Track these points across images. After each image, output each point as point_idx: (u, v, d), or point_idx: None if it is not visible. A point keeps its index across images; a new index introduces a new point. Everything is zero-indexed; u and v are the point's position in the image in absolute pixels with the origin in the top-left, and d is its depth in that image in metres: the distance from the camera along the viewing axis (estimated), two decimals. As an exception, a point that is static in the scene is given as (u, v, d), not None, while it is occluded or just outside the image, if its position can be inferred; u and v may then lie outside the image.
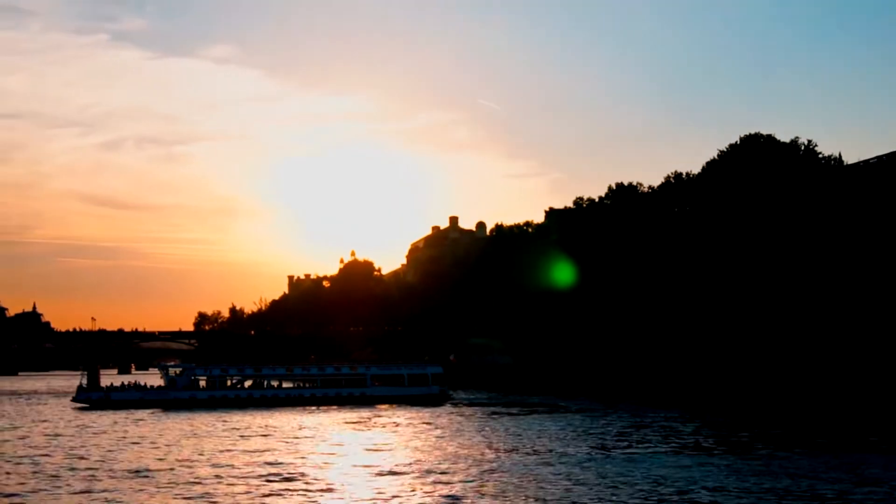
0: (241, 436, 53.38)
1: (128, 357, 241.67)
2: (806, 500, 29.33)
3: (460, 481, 33.81)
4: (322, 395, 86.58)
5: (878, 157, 75.78)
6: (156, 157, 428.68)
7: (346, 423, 63.19)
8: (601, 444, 45.95)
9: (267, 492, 32.21)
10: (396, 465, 38.72)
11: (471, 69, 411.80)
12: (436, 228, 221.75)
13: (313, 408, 79.46)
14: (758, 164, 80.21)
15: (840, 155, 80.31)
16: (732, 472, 34.81)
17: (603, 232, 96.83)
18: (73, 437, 54.14)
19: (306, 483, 34.26)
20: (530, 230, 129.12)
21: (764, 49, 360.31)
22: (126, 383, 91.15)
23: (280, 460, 40.93)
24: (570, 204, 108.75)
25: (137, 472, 37.62)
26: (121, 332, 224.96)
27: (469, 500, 30.05)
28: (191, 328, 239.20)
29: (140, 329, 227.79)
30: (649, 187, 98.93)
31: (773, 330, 74.36)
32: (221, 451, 44.91)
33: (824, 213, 73.22)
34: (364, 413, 72.09)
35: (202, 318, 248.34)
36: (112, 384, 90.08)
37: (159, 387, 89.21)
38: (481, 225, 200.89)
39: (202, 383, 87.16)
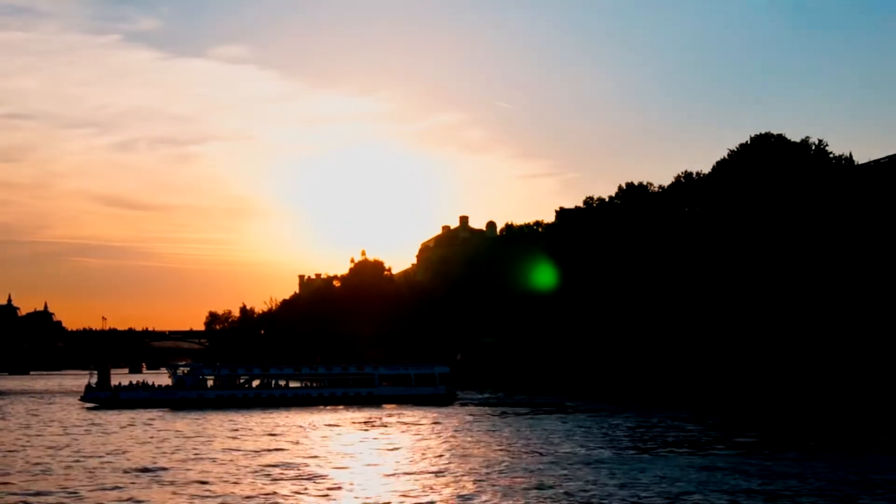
0: (248, 435, 53.38)
1: (139, 356, 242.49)
2: (814, 501, 29.11)
3: (472, 481, 33.68)
4: (329, 394, 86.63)
5: (888, 157, 75.32)
6: (168, 157, 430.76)
7: (354, 422, 63.12)
8: (610, 444, 45.76)
9: (274, 491, 32.09)
10: (407, 466, 38.64)
11: (483, 70, 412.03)
12: (446, 228, 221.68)
13: (321, 407, 79.50)
14: (768, 163, 79.79)
15: (851, 154, 79.90)
16: (749, 474, 34.52)
17: (613, 231, 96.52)
18: (80, 436, 54.23)
19: (317, 483, 34.11)
20: (540, 230, 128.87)
21: (774, 48, 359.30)
22: (134, 383, 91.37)
23: (289, 461, 40.81)
24: (580, 204, 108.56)
25: (141, 470, 37.59)
26: (131, 331, 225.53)
27: (482, 501, 29.87)
28: (201, 328, 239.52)
29: (151, 328, 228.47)
30: (659, 187, 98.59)
31: (784, 329, 73.94)
32: (227, 451, 44.89)
33: (835, 213, 72.79)
34: (372, 413, 72.06)
35: (213, 318, 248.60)
36: (120, 383, 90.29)
37: (167, 386, 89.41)
38: (492, 224, 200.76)
39: (210, 383, 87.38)
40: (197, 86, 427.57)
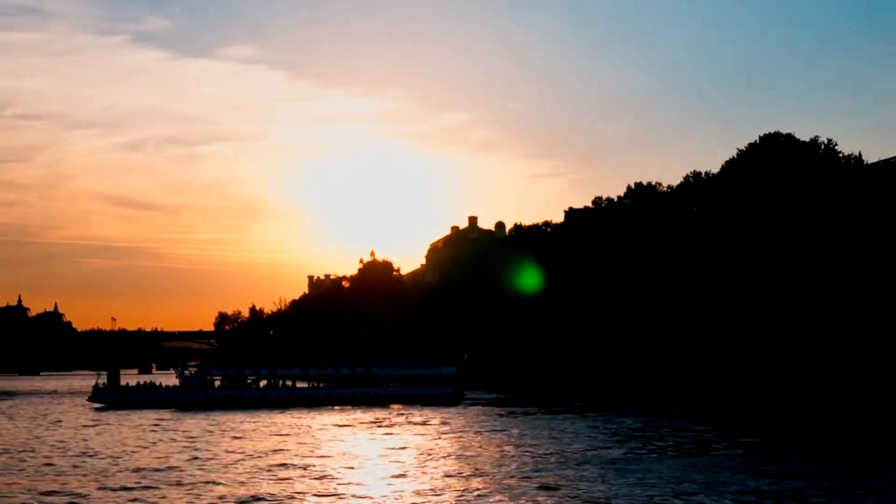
0: (256, 436, 53.36)
1: (148, 357, 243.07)
2: (823, 502, 28.93)
3: (481, 482, 33.55)
4: (337, 394, 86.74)
5: (899, 156, 75.00)
6: (177, 157, 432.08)
7: (362, 423, 63.05)
8: (618, 444, 45.56)
9: (282, 491, 32.00)
10: (415, 466, 38.51)
11: (492, 71, 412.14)
12: (455, 228, 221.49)
13: (328, 407, 79.51)
14: (777, 163, 79.50)
15: (860, 154, 79.55)
16: (759, 474, 34.31)
17: (622, 231, 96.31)
18: (84, 437, 54.28)
19: (325, 483, 34.01)
20: (549, 230, 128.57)
21: (783, 48, 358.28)
22: (143, 383, 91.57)
23: (296, 461, 40.70)
24: (589, 204, 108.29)
25: (147, 470, 37.56)
26: (141, 332, 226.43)
27: (491, 501, 29.74)
28: (211, 328, 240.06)
29: (160, 329, 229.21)
30: (668, 187, 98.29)
31: (793, 329, 73.61)
32: (234, 451, 44.86)
33: (844, 212, 72.46)
34: (379, 413, 72.00)
35: (222, 318, 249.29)
36: (128, 384, 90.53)
37: (175, 387, 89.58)
38: (500, 225, 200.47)
39: (217, 383, 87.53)
40: (205, 86, 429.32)
